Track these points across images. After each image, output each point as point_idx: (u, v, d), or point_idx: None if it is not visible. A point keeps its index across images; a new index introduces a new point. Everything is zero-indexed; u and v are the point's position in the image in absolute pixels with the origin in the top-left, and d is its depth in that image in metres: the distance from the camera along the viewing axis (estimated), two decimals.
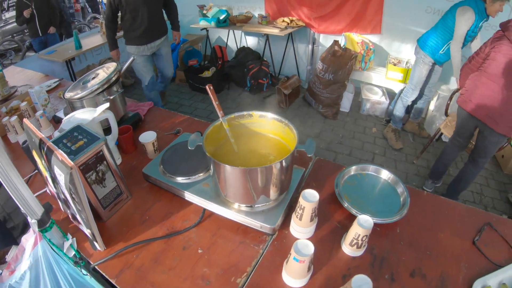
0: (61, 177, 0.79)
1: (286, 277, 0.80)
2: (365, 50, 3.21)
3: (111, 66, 1.43)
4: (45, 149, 0.81)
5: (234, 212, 0.93)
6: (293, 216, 0.91)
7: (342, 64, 2.98)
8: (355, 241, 0.84)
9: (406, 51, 3.25)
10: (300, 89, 3.64)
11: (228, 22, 3.51)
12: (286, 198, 0.96)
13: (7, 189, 0.76)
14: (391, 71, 3.16)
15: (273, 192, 0.90)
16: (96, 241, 0.92)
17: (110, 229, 0.99)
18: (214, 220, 0.99)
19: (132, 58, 1.51)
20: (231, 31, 3.96)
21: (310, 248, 0.73)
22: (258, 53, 3.72)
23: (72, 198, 0.83)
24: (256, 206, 0.93)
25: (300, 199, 0.84)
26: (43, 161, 0.89)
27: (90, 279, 0.96)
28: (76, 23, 6.22)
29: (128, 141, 1.31)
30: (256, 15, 3.66)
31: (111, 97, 1.36)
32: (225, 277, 0.83)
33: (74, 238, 0.98)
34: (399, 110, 2.94)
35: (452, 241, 0.95)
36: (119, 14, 2.65)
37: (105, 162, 0.95)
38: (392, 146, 2.96)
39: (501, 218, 1.03)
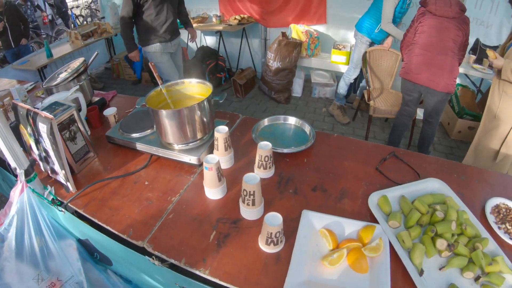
0: (43, 129, 1.11)
1: (205, 190, 1.09)
2: (310, 38, 3.59)
3: (78, 61, 1.77)
4: (31, 114, 1.14)
5: (171, 151, 1.26)
6: (214, 150, 1.24)
7: (288, 52, 3.38)
8: (261, 163, 1.14)
9: (351, 37, 3.48)
10: (256, 80, 4.03)
11: None
12: (211, 139, 1.32)
13: (2, 143, 1.08)
14: (335, 55, 3.53)
15: (199, 132, 1.24)
16: (69, 182, 1.24)
17: (80, 179, 1.27)
18: (159, 163, 1.31)
19: (96, 53, 1.84)
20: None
21: (215, 158, 1.04)
22: (215, 50, 4.08)
23: (52, 147, 1.16)
24: (187, 144, 1.26)
25: (215, 133, 1.16)
26: (28, 129, 1.21)
27: (63, 216, 1.27)
28: (43, 36, 6.38)
29: (95, 117, 1.63)
30: (212, 15, 4.03)
31: (80, 83, 1.69)
32: (164, 197, 1.12)
33: (53, 187, 1.29)
34: (342, 88, 3.27)
35: (356, 167, 1.20)
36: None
37: (76, 124, 1.27)
38: (340, 122, 3.32)
39: (406, 151, 1.29)
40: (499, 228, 1.01)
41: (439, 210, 0.98)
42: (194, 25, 3.83)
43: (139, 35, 2.56)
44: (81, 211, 1.16)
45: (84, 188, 1.21)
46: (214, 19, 3.91)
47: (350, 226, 0.96)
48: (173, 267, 0.91)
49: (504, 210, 1.06)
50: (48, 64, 3.56)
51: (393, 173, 1.18)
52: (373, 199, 1.04)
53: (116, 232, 1.04)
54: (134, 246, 0.98)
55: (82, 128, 1.32)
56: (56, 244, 1.28)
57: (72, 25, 6.80)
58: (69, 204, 1.19)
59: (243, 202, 0.97)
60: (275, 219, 0.84)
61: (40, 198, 1.22)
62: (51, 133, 1.11)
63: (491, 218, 1.03)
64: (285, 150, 1.25)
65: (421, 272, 0.84)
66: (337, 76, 3.75)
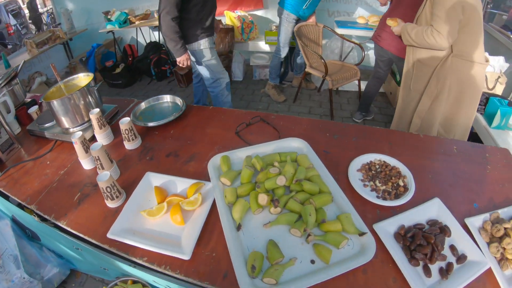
0: None
1: (81, 162, 1.35)
2: (243, 23, 3.79)
3: (11, 69, 2.05)
4: None
5: (66, 135, 1.51)
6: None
7: (221, 39, 3.60)
8: (125, 136, 1.36)
9: None
10: None
11: (129, 22, 4.05)
12: None
13: None
14: (268, 36, 3.72)
15: (86, 116, 1.53)
16: None
17: (8, 165, 1.59)
18: (62, 146, 1.55)
19: (23, 61, 2.12)
20: (139, 30, 4.53)
21: (79, 134, 1.28)
22: (161, 44, 4.32)
23: None
24: (77, 127, 1.53)
25: (89, 115, 1.43)
26: None
27: None
28: (9, 46, 6.51)
29: (23, 115, 1.91)
30: (154, 11, 4.21)
31: (10, 88, 1.98)
32: (56, 172, 1.33)
33: None
34: (274, 67, 3.35)
35: (216, 133, 1.38)
36: None
37: None
38: (276, 101, 3.50)
39: (273, 114, 1.49)
40: (365, 185, 1.05)
41: (276, 166, 1.04)
42: (137, 22, 4.07)
43: (182, 32, 2.23)
44: (1, 189, 1.47)
45: (3, 172, 1.51)
46: (155, 15, 4.15)
47: (182, 184, 1.11)
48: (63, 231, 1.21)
49: (378, 166, 1.10)
50: None
51: (254, 136, 1.36)
52: (215, 160, 1.18)
53: (19, 200, 1.35)
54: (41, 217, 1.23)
55: (5, 125, 1.62)
56: None
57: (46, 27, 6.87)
58: None
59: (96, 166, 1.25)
60: (103, 176, 1.08)
61: None
62: None
63: (356, 176, 1.08)
64: (150, 124, 1.51)
65: (238, 227, 0.91)
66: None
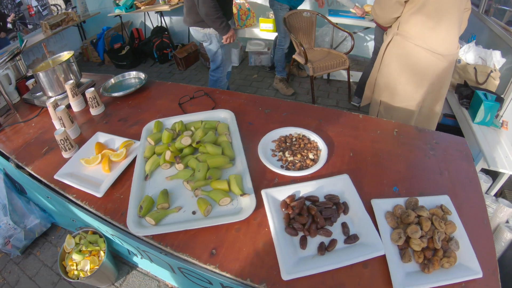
0: None
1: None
2: (239, 10, 3.87)
3: (13, 45, 2.36)
4: None
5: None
6: None
7: None
8: (90, 103, 1.60)
9: None
10: (200, 54, 4.48)
11: (135, 7, 4.30)
12: None
13: None
14: (263, 23, 3.77)
15: (64, 85, 1.82)
16: None
17: (1, 126, 1.92)
18: (46, 112, 1.77)
19: (25, 41, 2.42)
20: (147, 15, 4.79)
21: (61, 107, 1.63)
22: (164, 29, 4.56)
23: None
24: (59, 95, 1.84)
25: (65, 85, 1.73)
26: None
27: None
28: (30, 27, 6.92)
29: (22, 86, 2.22)
30: None
31: (13, 63, 2.29)
32: (38, 132, 1.63)
33: None
34: (279, 60, 3.32)
35: (162, 104, 1.59)
36: None
37: None
38: (285, 94, 3.42)
39: (218, 90, 1.64)
40: (273, 155, 1.13)
41: (191, 130, 1.23)
42: (142, 7, 4.31)
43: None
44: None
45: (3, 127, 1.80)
46: (160, 1, 4.37)
47: (119, 142, 1.34)
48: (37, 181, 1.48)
49: (294, 139, 1.16)
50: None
51: (193, 107, 1.54)
52: (150, 125, 1.38)
53: (5, 152, 1.63)
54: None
55: (4, 94, 1.90)
56: None
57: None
58: None
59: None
60: (58, 131, 1.32)
61: None
62: None
63: (269, 145, 1.16)
64: (114, 94, 1.74)
65: (146, 177, 1.10)
66: (271, 44, 4.03)
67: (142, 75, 1.90)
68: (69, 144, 1.39)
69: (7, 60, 2.22)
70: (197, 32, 2.55)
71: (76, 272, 1.67)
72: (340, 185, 1.01)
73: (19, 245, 2.03)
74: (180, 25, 4.66)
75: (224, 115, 1.42)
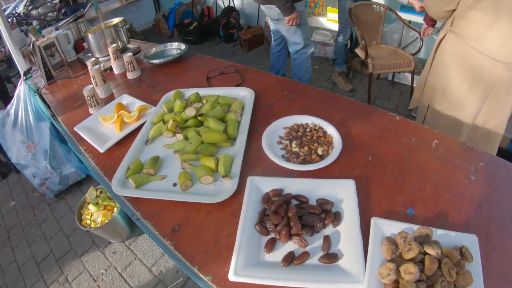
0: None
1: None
2: None
3: (79, 12, 2.66)
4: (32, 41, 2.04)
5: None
6: None
7: None
8: (127, 67, 1.73)
9: None
10: (265, 38, 4.46)
11: None
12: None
13: (13, 50, 1.99)
14: (330, 13, 3.62)
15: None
16: (43, 79, 2.12)
17: (57, 81, 2.18)
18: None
19: (89, 6, 2.71)
20: None
21: (96, 67, 1.78)
22: (233, 8, 4.63)
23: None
24: (104, 57, 2.02)
25: (108, 48, 1.88)
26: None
27: (40, 103, 2.17)
28: None
29: (80, 47, 2.50)
30: None
31: (75, 25, 2.58)
32: (80, 88, 1.95)
33: (36, 83, 2.21)
34: (338, 51, 3.21)
35: (193, 76, 1.67)
36: None
37: (55, 47, 2.14)
38: (342, 90, 3.25)
39: (251, 69, 1.63)
40: (278, 142, 1.07)
41: (202, 103, 1.25)
42: None
43: None
44: (43, 94, 2.01)
45: (48, 83, 2.05)
46: None
47: (136, 104, 1.41)
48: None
49: (308, 129, 1.09)
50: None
51: (220, 82, 1.53)
52: (170, 93, 1.41)
53: (48, 102, 1.85)
54: None
55: (60, 51, 2.17)
56: (36, 122, 2.21)
57: None
58: (41, 91, 2.06)
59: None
60: (86, 88, 1.43)
61: (30, 90, 2.15)
62: (33, 48, 1.98)
63: (278, 132, 1.11)
64: (151, 61, 1.81)
65: (146, 141, 1.16)
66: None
67: (183, 46, 1.95)
68: (95, 101, 1.50)
69: (69, 21, 2.49)
70: (271, 10, 2.46)
71: (88, 222, 1.82)
72: (340, 191, 0.87)
73: (53, 188, 2.30)
74: (251, 7, 4.70)
75: (243, 94, 1.36)
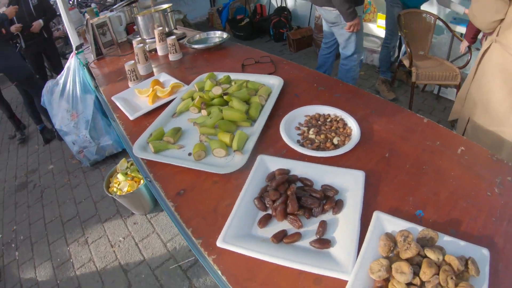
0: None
1: None
2: None
3: None
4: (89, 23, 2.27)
5: (143, 45, 2.20)
6: None
7: None
8: (169, 49, 1.87)
9: None
10: (314, 40, 4.44)
11: None
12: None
13: (68, 27, 2.23)
14: (380, 19, 3.52)
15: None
16: (93, 55, 2.33)
17: (105, 57, 2.38)
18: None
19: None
20: None
21: (140, 45, 1.93)
22: (285, 8, 4.70)
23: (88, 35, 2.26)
24: (150, 39, 2.17)
25: (154, 31, 2.03)
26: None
27: (88, 76, 2.39)
28: None
29: (131, 28, 2.70)
30: None
31: (128, 9, 2.78)
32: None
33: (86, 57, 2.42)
34: (383, 59, 3.19)
35: (230, 62, 1.77)
36: None
37: (107, 27, 2.35)
38: (385, 98, 3.33)
39: (285, 60, 1.70)
40: (296, 128, 1.10)
41: (230, 85, 1.31)
42: None
43: None
44: (91, 68, 2.21)
45: (96, 58, 2.24)
46: None
47: (171, 82, 1.51)
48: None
49: (329, 120, 1.11)
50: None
51: (254, 70, 1.60)
52: (204, 75, 1.49)
53: (94, 75, 2.03)
54: None
55: (111, 30, 2.37)
56: (82, 94, 2.44)
57: None
58: (90, 66, 2.27)
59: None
60: (128, 62, 1.58)
61: (80, 63, 2.38)
62: (86, 26, 2.20)
63: (299, 119, 1.15)
64: (193, 46, 1.93)
65: (173, 114, 1.26)
66: None
67: (225, 35, 2.04)
68: (134, 75, 1.63)
69: (123, 5, 2.69)
70: (329, 13, 2.44)
71: (115, 190, 1.97)
72: (348, 181, 0.86)
73: (90, 157, 2.51)
74: (303, 8, 4.73)
75: (273, 82, 1.39)
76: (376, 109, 1.18)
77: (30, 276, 2.05)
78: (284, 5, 4.77)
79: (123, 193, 1.96)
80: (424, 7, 3.01)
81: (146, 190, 2.00)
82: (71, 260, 2.05)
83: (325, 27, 2.82)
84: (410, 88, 3.31)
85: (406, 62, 2.79)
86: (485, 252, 0.68)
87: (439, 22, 2.81)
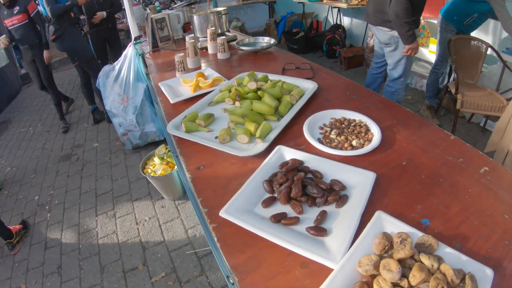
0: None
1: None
2: None
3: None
4: (149, 17, 2.54)
5: (196, 42, 2.40)
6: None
7: None
8: (218, 48, 2.04)
9: None
10: (365, 60, 4.41)
11: None
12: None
13: (130, 19, 2.51)
14: (432, 44, 3.46)
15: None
16: (149, 47, 2.58)
17: (161, 50, 2.63)
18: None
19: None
20: (330, 10, 5.09)
21: (191, 41, 2.12)
22: (339, 25, 4.74)
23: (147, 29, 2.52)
24: (203, 38, 2.37)
25: (207, 30, 2.21)
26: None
27: (140, 63, 2.63)
28: None
29: (188, 28, 2.95)
30: None
31: (187, 9, 3.03)
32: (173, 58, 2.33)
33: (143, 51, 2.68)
34: (430, 84, 3.16)
35: (272, 66, 1.91)
36: None
37: (165, 22, 2.60)
38: None
39: (325, 69, 1.89)
40: (320, 127, 1.16)
41: (266, 82, 1.40)
42: (324, 0, 4.64)
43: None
44: (146, 58, 2.44)
45: (152, 50, 2.47)
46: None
47: (214, 75, 1.68)
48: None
49: (353, 124, 1.15)
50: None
51: (292, 74, 1.68)
52: (245, 73, 1.59)
53: (147, 67, 2.26)
54: None
55: (168, 26, 2.62)
56: (134, 81, 2.70)
57: None
58: (145, 56, 2.51)
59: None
60: (178, 54, 1.78)
61: (137, 53, 2.64)
62: (146, 20, 2.46)
63: (323, 120, 1.20)
64: (241, 47, 2.09)
65: (210, 103, 1.39)
66: None
67: (272, 41, 2.17)
68: (182, 67, 1.81)
69: (183, 5, 2.95)
70: (383, 33, 2.46)
71: (149, 171, 2.15)
72: (358, 180, 0.89)
73: (133, 140, 2.75)
74: (358, 27, 4.76)
75: (307, 85, 1.47)
76: (404, 120, 1.20)
77: (55, 237, 2.30)
78: (340, 22, 4.84)
79: (156, 175, 2.13)
80: (477, 34, 2.92)
81: (178, 177, 2.15)
82: (97, 229, 2.26)
83: (376, 47, 2.85)
84: (446, 114, 3.22)
85: (452, 89, 2.72)
86: (489, 272, 0.66)
87: (491, 51, 2.71)
